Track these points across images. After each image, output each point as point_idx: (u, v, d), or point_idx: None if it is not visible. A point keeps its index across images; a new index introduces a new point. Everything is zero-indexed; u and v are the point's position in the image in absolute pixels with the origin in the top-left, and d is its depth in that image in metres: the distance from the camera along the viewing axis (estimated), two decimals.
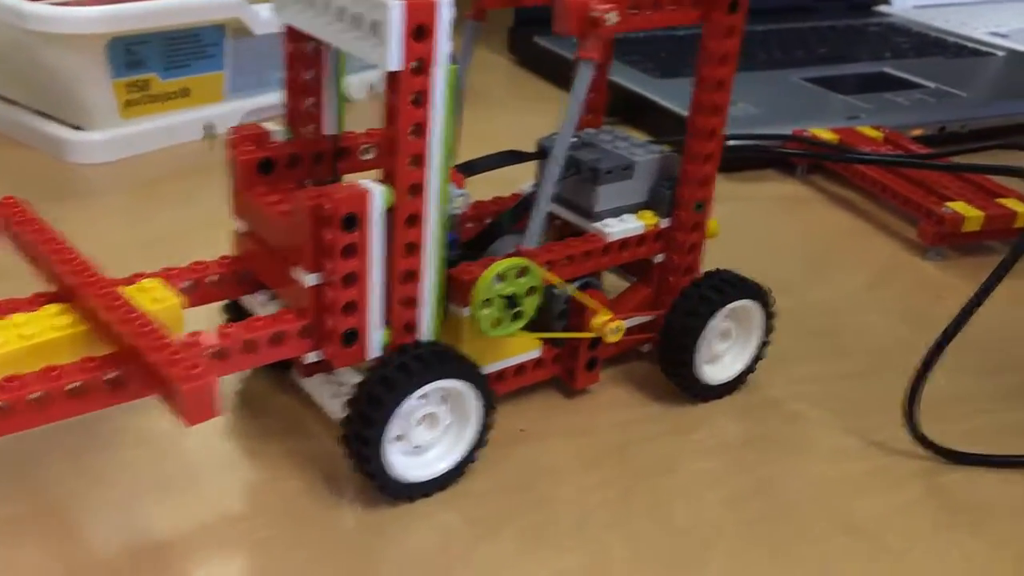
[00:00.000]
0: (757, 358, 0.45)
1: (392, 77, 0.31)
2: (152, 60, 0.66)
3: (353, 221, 0.32)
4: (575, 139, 0.44)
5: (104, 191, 0.62)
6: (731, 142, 0.68)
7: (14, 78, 0.67)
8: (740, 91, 0.78)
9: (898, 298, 0.54)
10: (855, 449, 0.41)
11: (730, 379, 0.44)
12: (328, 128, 0.38)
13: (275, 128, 0.38)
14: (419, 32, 0.31)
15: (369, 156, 0.40)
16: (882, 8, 1.10)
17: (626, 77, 0.79)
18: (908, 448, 0.41)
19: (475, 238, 0.42)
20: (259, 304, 0.38)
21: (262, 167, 0.37)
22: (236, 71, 0.71)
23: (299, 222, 0.33)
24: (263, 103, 0.73)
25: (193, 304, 0.38)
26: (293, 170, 0.38)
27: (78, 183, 0.62)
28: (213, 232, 0.56)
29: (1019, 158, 0.61)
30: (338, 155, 0.39)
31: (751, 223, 0.62)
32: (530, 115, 0.79)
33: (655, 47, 0.86)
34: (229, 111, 0.71)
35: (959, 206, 0.58)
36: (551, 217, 0.45)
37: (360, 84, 0.81)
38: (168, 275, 0.38)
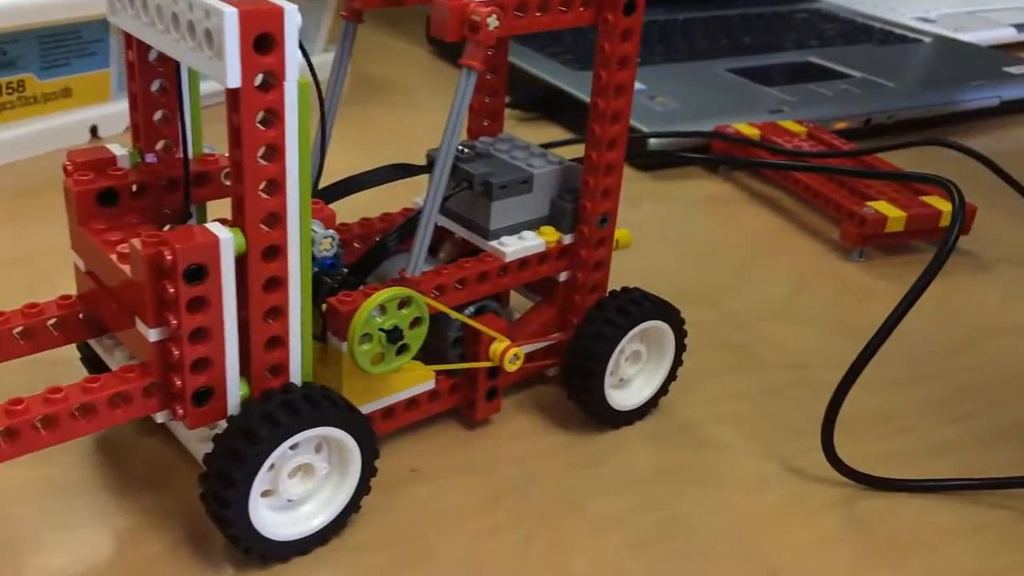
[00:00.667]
0: (669, 380, 0.42)
1: (232, 95, 0.27)
2: (26, 59, 0.60)
3: (199, 273, 0.28)
4: (468, 149, 0.40)
5: None
6: (652, 139, 0.66)
7: None
8: (662, 85, 0.76)
9: (820, 305, 0.52)
10: (772, 477, 0.39)
11: (641, 403, 0.41)
12: (182, 147, 0.34)
13: (122, 152, 0.34)
14: (262, 43, 0.27)
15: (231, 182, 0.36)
16: None
17: (545, 70, 0.76)
18: (827, 474, 0.38)
19: (358, 261, 0.38)
20: (105, 350, 0.34)
21: (103, 198, 0.33)
22: (124, 68, 0.66)
23: (137, 272, 0.29)
24: None
25: (30, 352, 0.34)
26: (140, 200, 0.34)
27: None
28: None
29: (942, 154, 0.59)
30: (196, 181, 0.35)
31: (671, 226, 0.60)
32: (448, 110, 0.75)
33: (576, 37, 0.83)
34: (118, 111, 0.66)
35: (881, 206, 0.56)
36: (449, 233, 0.41)
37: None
38: None
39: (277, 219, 0.30)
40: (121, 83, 0.66)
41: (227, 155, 0.33)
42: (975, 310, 0.52)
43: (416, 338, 0.35)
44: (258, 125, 0.28)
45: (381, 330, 0.34)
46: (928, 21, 1.01)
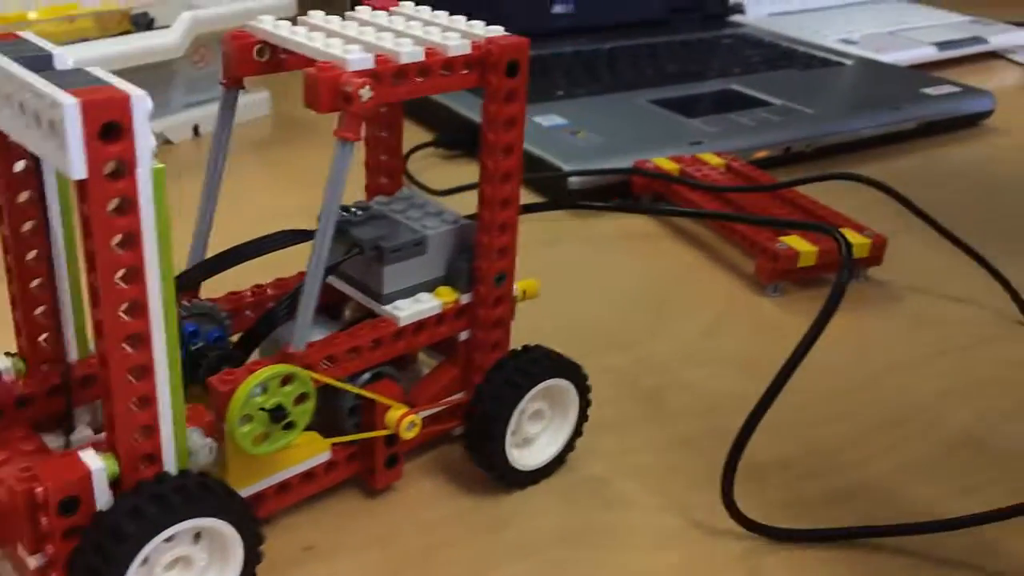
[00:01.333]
0: (575, 435, 0.41)
1: (81, 185, 0.26)
2: None
3: (72, 505, 0.29)
4: (362, 211, 0.40)
5: None
6: (574, 177, 0.66)
7: None
8: (585, 118, 0.76)
9: (734, 343, 0.52)
10: (677, 534, 0.38)
11: (546, 462, 0.41)
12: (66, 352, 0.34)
13: (5, 364, 0.34)
14: (108, 131, 0.26)
15: None
16: (737, 18, 1.09)
17: (467, 106, 0.75)
18: (729, 527, 0.38)
19: (244, 334, 0.37)
20: None
21: None
22: None
23: (12, 506, 0.30)
24: None
25: None
26: (24, 411, 0.34)
27: None
28: None
29: (856, 189, 0.59)
30: (82, 384, 0.35)
31: (590, 265, 0.60)
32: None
33: None
34: None
35: (793, 241, 0.56)
36: (346, 297, 0.40)
37: (182, 125, 0.75)
38: None
39: (138, 307, 0.29)
40: None
41: None
42: (884, 342, 0.53)
43: (303, 414, 0.34)
44: (111, 214, 0.27)
45: (263, 409, 0.33)
46: (851, 43, 1.03)
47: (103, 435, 0.34)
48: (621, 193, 0.67)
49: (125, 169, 0.27)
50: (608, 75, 0.86)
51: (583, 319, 0.53)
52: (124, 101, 0.26)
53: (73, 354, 0.35)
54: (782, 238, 0.56)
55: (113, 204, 0.27)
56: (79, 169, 0.26)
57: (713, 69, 0.89)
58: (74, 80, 0.27)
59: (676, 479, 0.41)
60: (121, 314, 0.28)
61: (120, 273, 0.28)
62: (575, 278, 0.57)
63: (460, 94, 0.77)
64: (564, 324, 0.51)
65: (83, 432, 0.36)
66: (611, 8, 0.99)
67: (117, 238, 0.27)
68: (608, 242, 0.63)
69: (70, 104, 0.25)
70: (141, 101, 0.26)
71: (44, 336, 0.35)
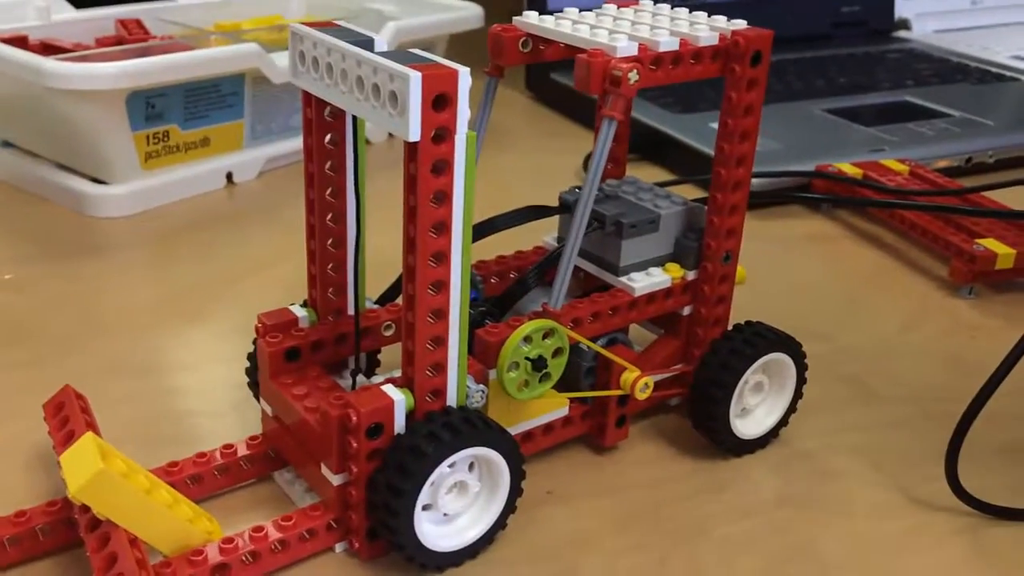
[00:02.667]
0: (790, 411, 0.43)
1: (411, 147, 0.31)
2: (172, 111, 0.66)
3: (377, 430, 0.34)
4: (598, 192, 0.43)
5: (124, 245, 0.62)
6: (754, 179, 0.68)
7: (36, 132, 0.67)
8: (761, 125, 0.78)
9: (932, 341, 0.53)
10: (895, 505, 0.40)
11: (763, 433, 0.43)
12: (353, 306, 0.39)
13: (302, 313, 0.39)
14: (439, 102, 0.30)
15: (390, 332, 0.41)
16: (902, 34, 1.09)
17: (646, 113, 0.79)
18: (951, 503, 0.39)
19: (501, 296, 0.41)
20: (286, 483, 0.39)
21: (289, 356, 0.38)
22: (256, 119, 0.72)
23: (326, 429, 0.34)
24: (282, 150, 0.73)
25: (227, 485, 0.39)
26: (318, 354, 0.39)
27: (98, 237, 0.62)
28: (231, 288, 0.56)
29: None
30: (361, 335, 0.40)
31: (777, 265, 0.61)
32: (550, 154, 0.78)
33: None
34: (250, 159, 0.72)
35: (990, 243, 0.56)
36: (576, 270, 0.44)
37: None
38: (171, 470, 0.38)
39: (443, 257, 0.33)
40: (253, 132, 0.72)
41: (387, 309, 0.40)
42: None
43: (557, 367, 0.38)
44: (431, 173, 0.31)
45: (527, 359, 0.37)
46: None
47: (392, 374, 0.38)
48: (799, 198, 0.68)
49: (446, 135, 0.31)
50: (779, 85, 0.87)
51: (776, 311, 0.54)
52: (453, 76, 0.30)
53: (351, 308, 0.40)
54: (979, 240, 0.57)
55: (433, 164, 0.31)
56: (415, 132, 0.30)
57: (885, 81, 0.89)
58: (405, 58, 0.31)
59: (890, 457, 0.43)
60: (430, 261, 0.32)
61: (432, 225, 0.32)
62: (763, 275, 0.59)
63: (637, 102, 0.80)
64: (758, 316, 0.52)
65: (360, 378, 0.40)
66: (775, 23, 1.00)
67: (433, 194, 0.32)
68: (791, 242, 0.65)
69: (414, 76, 0.30)
70: (465, 76, 0.31)
71: (331, 290, 0.39)
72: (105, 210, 0.65)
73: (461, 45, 0.82)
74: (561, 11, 0.41)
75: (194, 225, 0.65)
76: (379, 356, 0.44)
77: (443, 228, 0.32)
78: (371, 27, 0.80)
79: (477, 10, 0.84)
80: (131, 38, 0.75)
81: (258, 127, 0.72)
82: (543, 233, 0.46)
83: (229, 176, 0.71)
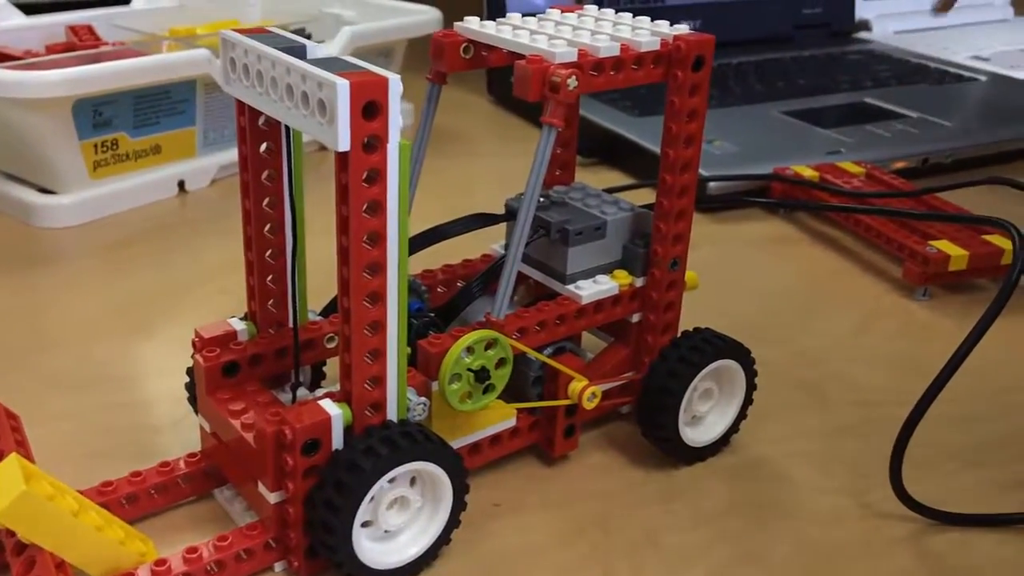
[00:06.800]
0: (740, 417, 0.43)
1: (342, 156, 0.30)
2: (121, 119, 0.65)
3: (314, 446, 0.33)
4: (544, 198, 0.43)
5: (72, 256, 0.60)
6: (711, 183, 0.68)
7: None
8: (719, 128, 0.78)
9: (886, 343, 0.53)
10: (844, 512, 0.40)
11: (713, 440, 0.42)
12: (292, 318, 0.39)
13: (240, 327, 0.38)
14: (369, 110, 0.30)
15: (333, 344, 0.40)
16: (862, 35, 1.09)
17: (603, 116, 0.78)
18: (897, 509, 0.39)
19: (445, 305, 0.40)
20: (225, 500, 0.38)
21: (226, 371, 0.37)
22: (208, 125, 0.70)
23: (261, 446, 0.34)
24: (236, 157, 0.72)
25: (164, 504, 0.38)
26: (257, 369, 0.38)
27: (46, 249, 0.61)
28: (182, 298, 0.55)
29: (1004, 193, 0.60)
30: (303, 347, 0.39)
31: (733, 267, 0.61)
32: (512, 158, 0.78)
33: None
34: (202, 166, 0.71)
35: (944, 245, 0.57)
36: (523, 277, 0.43)
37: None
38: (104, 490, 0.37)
39: (378, 268, 0.32)
40: (206, 139, 0.71)
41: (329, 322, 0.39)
42: None
43: (501, 378, 0.37)
44: (364, 183, 0.31)
45: (469, 370, 0.36)
46: (983, 60, 1.02)
47: (331, 389, 0.38)
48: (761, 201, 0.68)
49: (378, 144, 0.30)
50: (738, 88, 0.87)
51: (731, 316, 0.55)
52: (383, 83, 0.30)
53: (290, 321, 0.39)
54: (932, 242, 0.57)
55: (365, 174, 0.31)
56: (344, 142, 0.30)
57: (844, 83, 0.90)
58: (334, 66, 0.31)
59: (840, 463, 0.43)
60: (364, 273, 0.32)
61: (366, 236, 0.31)
62: (719, 279, 0.59)
63: (596, 105, 0.80)
64: (712, 320, 0.52)
65: (301, 391, 0.39)
66: (737, 25, 1.01)
67: (366, 204, 0.31)
68: (748, 245, 0.65)
69: (341, 84, 0.29)
70: (396, 84, 0.30)
71: (271, 302, 0.39)
72: (53, 220, 0.63)
73: (421, 50, 0.81)
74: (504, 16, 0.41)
75: (145, 235, 0.63)
76: (324, 369, 0.43)
77: (377, 239, 0.32)
78: (328, 32, 0.80)
79: (436, 14, 0.83)
80: (82, 44, 0.73)
81: (211, 134, 0.71)
82: (491, 241, 0.45)
83: (181, 184, 0.70)
